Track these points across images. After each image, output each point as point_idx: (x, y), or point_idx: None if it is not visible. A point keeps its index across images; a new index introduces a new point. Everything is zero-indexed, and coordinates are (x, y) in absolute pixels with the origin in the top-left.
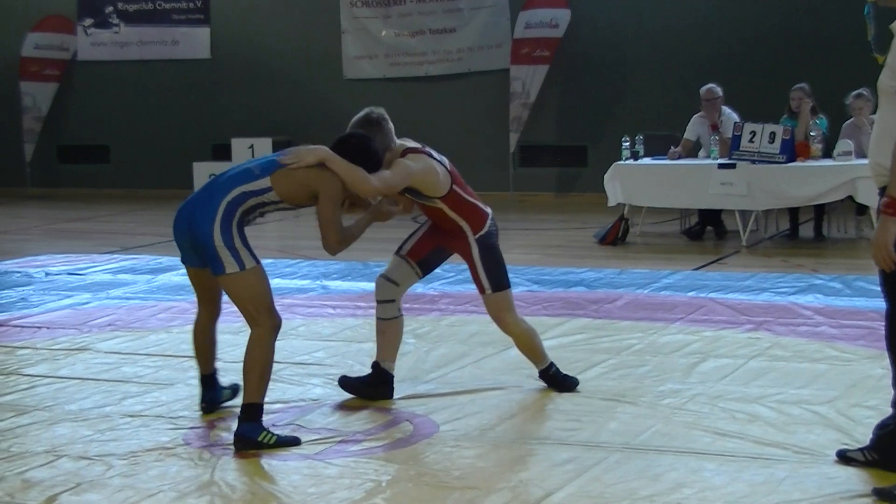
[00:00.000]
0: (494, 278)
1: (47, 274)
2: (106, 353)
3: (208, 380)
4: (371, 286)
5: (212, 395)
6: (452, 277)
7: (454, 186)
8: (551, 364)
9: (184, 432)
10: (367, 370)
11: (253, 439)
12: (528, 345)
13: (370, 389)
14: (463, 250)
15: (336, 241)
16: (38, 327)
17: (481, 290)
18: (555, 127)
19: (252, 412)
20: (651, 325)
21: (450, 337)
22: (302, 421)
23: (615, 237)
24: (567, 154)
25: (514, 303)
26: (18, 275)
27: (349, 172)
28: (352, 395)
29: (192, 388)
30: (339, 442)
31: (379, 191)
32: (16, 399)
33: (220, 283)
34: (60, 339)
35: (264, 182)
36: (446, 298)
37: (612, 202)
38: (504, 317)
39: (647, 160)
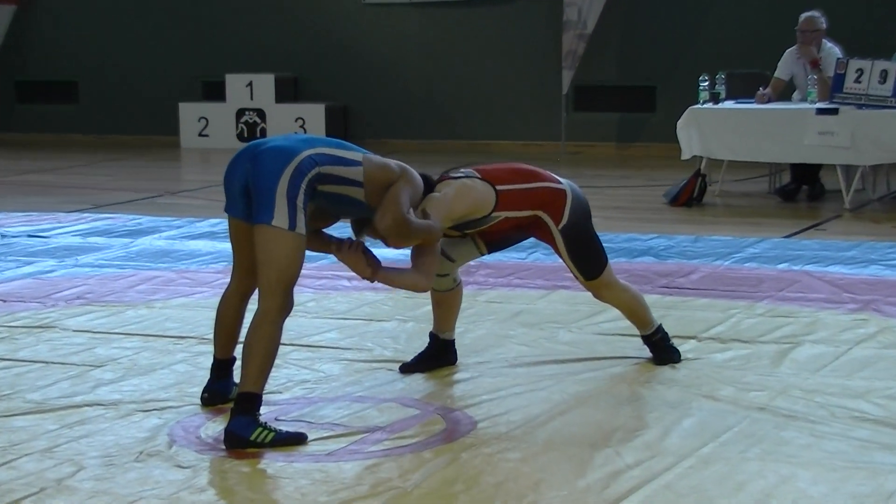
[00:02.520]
0: (588, 268)
1: (3, 236)
2: (75, 331)
3: (222, 367)
4: (391, 252)
5: (220, 385)
6: None
7: (499, 187)
8: (658, 328)
9: (169, 427)
10: (390, 352)
11: (245, 438)
12: (632, 312)
13: (432, 361)
14: (549, 240)
15: (390, 221)
16: None
17: (575, 277)
18: (616, 63)
19: (248, 404)
20: (733, 303)
21: (489, 316)
22: (310, 415)
23: (689, 197)
24: (631, 96)
25: (612, 279)
26: None
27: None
28: (369, 380)
29: (178, 375)
30: (357, 441)
31: (436, 237)
32: None
33: (257, 233)
34: (20, 314)
35: (356, 155)
36: (485, 269)
37: (685, 155)
38: (602, 294)
39: (729, 104)
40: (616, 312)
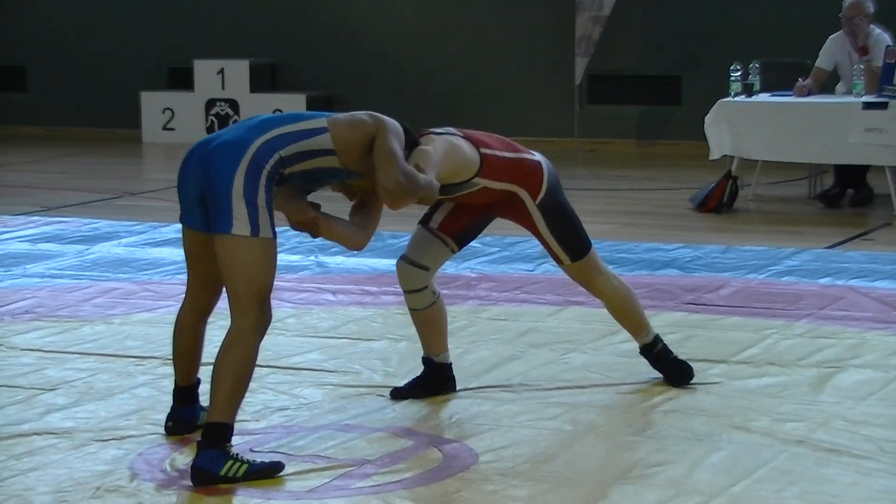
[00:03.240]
0: (572, 245)
1: None
2: (23, 350)
3: (185, 393)
4: (385, 263)
5: (186, 412)
6: (495, 254)
7: (483, 150)
8: (657, 339)
9: (130, 459)
10: (379, 375)
11: (214, 473)
12: (622, 308)
13: (428, 388)
14: (524, 221)
15: (399, 177)
16: None
17: (558, 261)
18: (637, 50)
19: (216, 435)
20: (768, 322)
21: (492, 335)
22: (289, 447)
23: (719, 202)
24: (654, 87)
25: (599, 262)
26: None
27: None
28: (356, 408)
29: (139, 400)
30: (342, 475)
31: (436, 196)
32: None
33: (218, 245)
34: None
35: (318, 122)
36: (487, 282)
37: (715, 154)
38: (592, 279)
39: (764, 96)
40: None
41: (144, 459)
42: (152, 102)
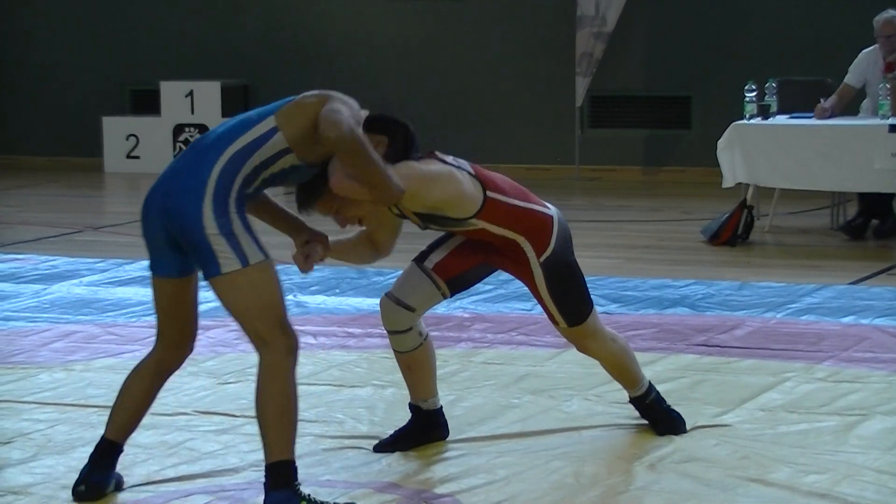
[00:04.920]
0: (572, 310)
1: None
2: None
3: (108, 451)
4: (368, 302)
5: (99, 477)
6: (490, 292)
7: (489, 193)
8: (650, 389)
9: None
10: (364, 425)
11: None
12: (617, 367)
13: (417, 438)
14: (524, 275)
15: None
16: None
17: (553, 322)
18: (643, 68)
19: (282, 475)
20: (787, 365)
21: (486, 380)
22: None
23: (733, 234)
24: (661, 109)
25: (597, 326)
26: None
27: (372, 155)
28: (338, 460)
29: None
30: None
31: (395, 194)
32: None
33: (216, 289)
34: None
35: (268, 123)
36: (481, 322)
37: (728, 182)
38: (587, 346)
39: (781, 118)
40: (646, 375)
41: None
42: (115, 128)
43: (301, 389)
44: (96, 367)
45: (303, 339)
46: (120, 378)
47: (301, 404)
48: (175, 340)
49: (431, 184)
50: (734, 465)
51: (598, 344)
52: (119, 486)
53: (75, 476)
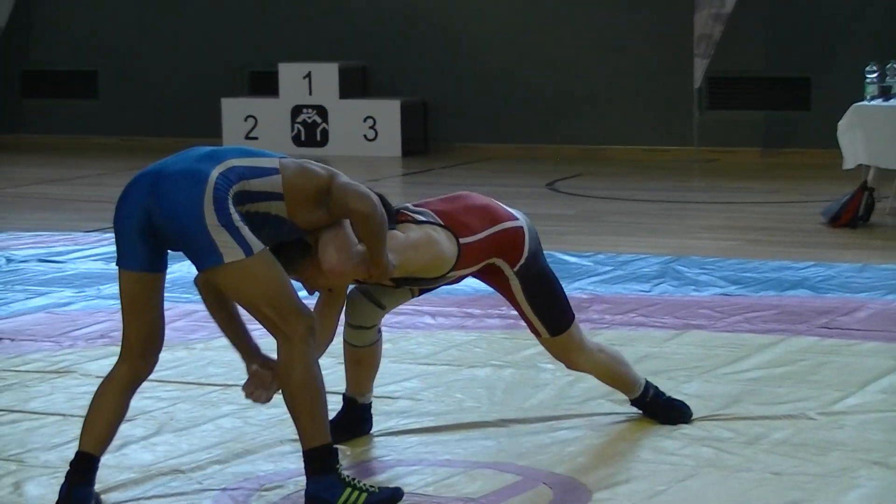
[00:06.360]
0: (552, 318)
1: (8, 260)
2: (97, 377)
3: (86, 466)
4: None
5: (80, 494)
6: (608, 273)
7: (462, 240)
8: (647, 387)
9: (213, 495)
10: (485, 407)
11: (331, 503)
12: (610, 376)
13: (345, 431)
14: (501, 287)
15: (374, 198)
16: None
17: (536, 334)
18: (762, 49)
19: (320, 460)
20: None
21: None
22: (388, 483)
23: (854, 216)
24: (780, 90)
25: (581, 336)
26: None
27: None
28: (458, 440)
29: (223, 432)
30: None
31: (390, 272)
32: None
33: (218, 279)
34: (30, 356)
35: (271, 161)
36: (600, 304)
37: (848, 163)
38: (572, 359)
39: None
40: (763, 358)
41: (230, 496)
42: (234, 109)
43: (419, 369)
44: (216, 346)
45: (421, 320)
46: (239, 357)
47: (419, 383)
48: (143, 343)
49: (413, 253)
50: (856, 448)
51: (585, 356)
52: None
53: (198, 454)
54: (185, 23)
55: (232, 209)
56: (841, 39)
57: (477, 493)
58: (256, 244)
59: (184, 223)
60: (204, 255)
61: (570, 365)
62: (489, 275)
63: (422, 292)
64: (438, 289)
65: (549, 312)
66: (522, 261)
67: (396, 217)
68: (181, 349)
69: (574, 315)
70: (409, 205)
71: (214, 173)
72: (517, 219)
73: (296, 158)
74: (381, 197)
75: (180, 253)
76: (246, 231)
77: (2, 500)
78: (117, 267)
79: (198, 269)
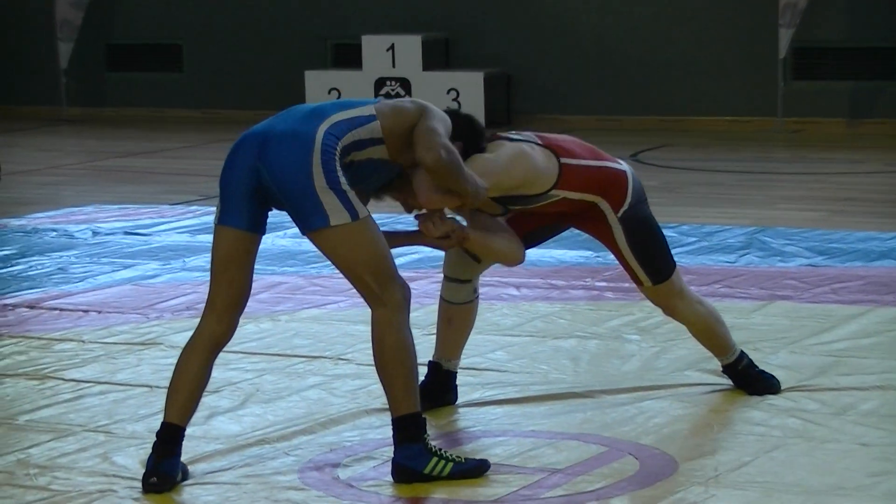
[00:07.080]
0: (655, 266)
1: (95, 233)
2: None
3: (172, 437)
4: (572, 254)
5: (167, 466)
6: (693, 244)
7: (563, 160)
8: (742, 355)
9: (301, 467)
10: (570, 378)
11: (417, 471)
12: (706, 332)
13: (428, 396)
14: (603, 235)
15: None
16: (85, 311)
17: (637, 283)
18: (847, 19)
19: (411, 428)
20: None
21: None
22: (474, 454)
23: None
24: (866, 60)
25: (683, 285)
26: (53, 234)
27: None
28: (543, 412)
29: (309, 403)
30: (529, 485)
31: (481, 197)
32: (55, 415)
33: (322, 242)
34: (117, 328)
35: (367, 109)
36: (685, 275)
37: None
38: (674, 305)
39: None
40: (850, 329)
41: (315, 467)
42: (317, 82)
43: (505, 341)
44: (301, 318)
45: (506, 291)
46: (324, 328)
47: (504, 355)
48: (230, 300)
49: (507, 169)
50: None
51: (685, 303)
52: (186, 475)
53: (284, 425)
54: None
55: (339, 172)
56: None
57: (562, 463)
58: (362, 209)
59: (293, 185)
60: (311, 217)
61: (669, 311)
62: (592, 222)
63: (528, 247)
64: (524, 264)
65: (652, 259)
66: (626, 206)
67: (490, 137)
68: (266, 321)
69: (675, 263)
70: (518, 132)
71: (320, 132)
72: (621, 164)
73: (388, 100)
74: (470, 118)
75: (269, 219)
76: (352, 195)
77: (91, 470)
78: (217, 225)
79: (302, 231)
